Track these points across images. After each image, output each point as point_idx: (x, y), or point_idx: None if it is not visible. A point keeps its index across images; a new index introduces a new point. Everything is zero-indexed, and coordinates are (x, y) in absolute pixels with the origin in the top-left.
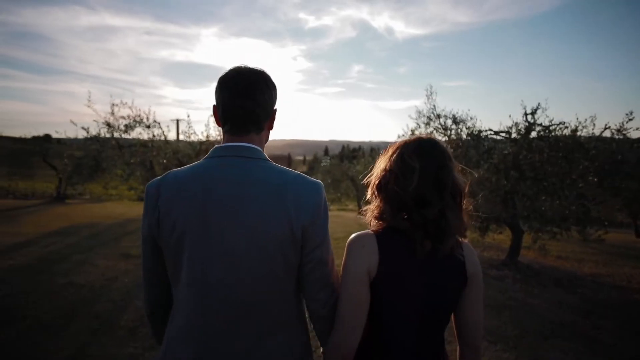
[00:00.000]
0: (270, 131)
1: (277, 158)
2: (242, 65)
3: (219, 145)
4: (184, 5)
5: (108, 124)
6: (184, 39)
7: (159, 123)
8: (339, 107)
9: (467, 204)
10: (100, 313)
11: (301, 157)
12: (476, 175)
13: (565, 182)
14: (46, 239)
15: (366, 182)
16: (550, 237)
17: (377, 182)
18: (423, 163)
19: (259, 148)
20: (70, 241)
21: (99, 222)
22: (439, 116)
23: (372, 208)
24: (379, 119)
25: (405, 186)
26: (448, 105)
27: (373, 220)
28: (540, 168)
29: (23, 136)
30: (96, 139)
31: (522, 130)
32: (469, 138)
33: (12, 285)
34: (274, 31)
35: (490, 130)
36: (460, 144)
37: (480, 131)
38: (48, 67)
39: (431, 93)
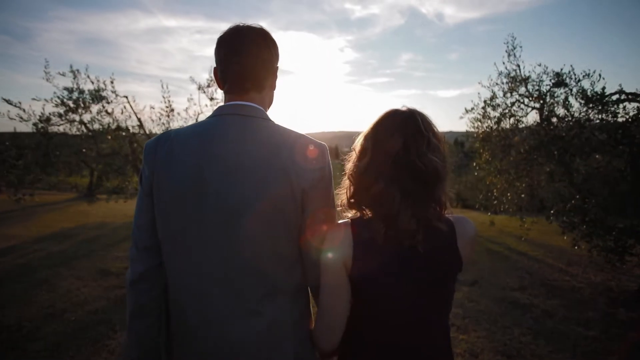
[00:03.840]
0: (274, 91)
1: None
2: (240, 24)
3: (222, 104)
4: (232, 3)
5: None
6: None
7: (126, 97)
8: (387, 98)
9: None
10: None
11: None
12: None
13: None
14: (36, 244)
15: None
16: None
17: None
18: (378, 144)
19: (260, 107)
20: (55, 248)
21: (109, 222)
22: (525, 80)
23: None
24: (429, 107)
25: (358, 171)
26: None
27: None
28: None
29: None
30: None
31: None
32: (585, 112)
33: None
34: (320, 23)
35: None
36: (571, 121)
37: (605, 94)
38: (111, 69)
39: (514, 47)
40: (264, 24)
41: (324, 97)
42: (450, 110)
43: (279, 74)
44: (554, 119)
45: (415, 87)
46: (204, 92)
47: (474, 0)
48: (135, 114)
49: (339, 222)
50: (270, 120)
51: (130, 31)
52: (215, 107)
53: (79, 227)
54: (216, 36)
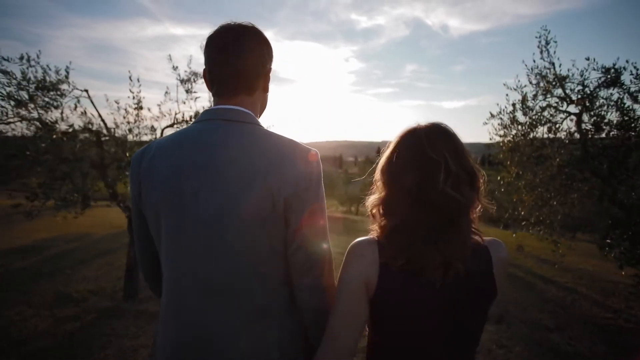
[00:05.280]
0: (267, 94)
1: (327, 160)
2: (231, 21)
3: (208, 108)
4: (239, 12)
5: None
6: None
7: (86, 91)
8: (391, 108)
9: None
10: None
11: (352, 159)
12: None
13: None
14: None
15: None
16: None
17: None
18: (394, 177)
19: (249, 111)
20: (17, 265)
21: (91, 233)
22: (562, 79)
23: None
24: (434, 119)
25: (376, 205)
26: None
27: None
28: None
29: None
30: None
31: None
32: None
33: None
34: (325, 33)
35: None
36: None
37: None
38: (119, 76)
39: (547, 42)
40: (271, 33)
41: (328, 107)
42: (456, 122)
43: (285, 83)
44: (603, 126)
45: (419, 98)
46: (183, 84)
47: (479, 13)
48: (97, 111)
49: (363, 238)
50: (259, 125)
51: (138, 38)
52: (192, 101)
53: (54, 239)
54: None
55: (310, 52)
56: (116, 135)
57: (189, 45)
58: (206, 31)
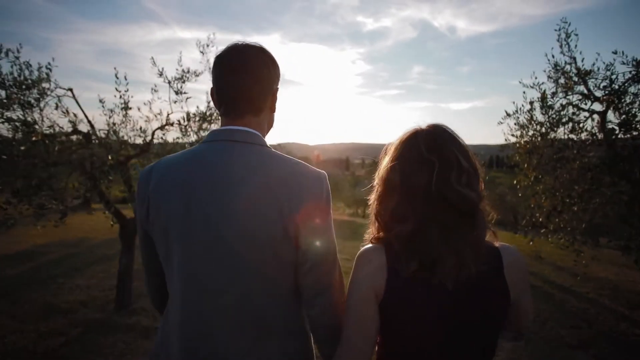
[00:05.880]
0: (274, 114)
1: (334, 162)
2: (239, 42)
3: (215, 129)
4: (246, 16)
5: None
6: None
7: (70, 90)
8: (398, 110)
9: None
10: None
11: (359, 161)
12: None
13: None
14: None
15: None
16: None
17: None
18: (405, 178)
19: (257, 132)
20: (10, 272)
21: (90, 238)
22: (585, 74)
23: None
24: (441, 120)
25: (384, 209)
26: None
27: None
28: None
29: None
30: None
31: None
32: None
33: None
34: (332, 35)
35: None
36: None
37: None
38: (127, 79)
39: (567, 35)
40: (277, 36)
41: (335, 109)
42: (462, 123)
43: (292, 85)
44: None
45: (426, 100)
46: (170, 84)
47: (486, 14)
48: (82, 111)
49: (371, 245)
50: (266, 146)
51: (146, 42)
52: (183, 103)
53: (52, 244)
54: None
55: (316, 54)
56: (102, 136)
57: (196, 49)
58: (213, 35)
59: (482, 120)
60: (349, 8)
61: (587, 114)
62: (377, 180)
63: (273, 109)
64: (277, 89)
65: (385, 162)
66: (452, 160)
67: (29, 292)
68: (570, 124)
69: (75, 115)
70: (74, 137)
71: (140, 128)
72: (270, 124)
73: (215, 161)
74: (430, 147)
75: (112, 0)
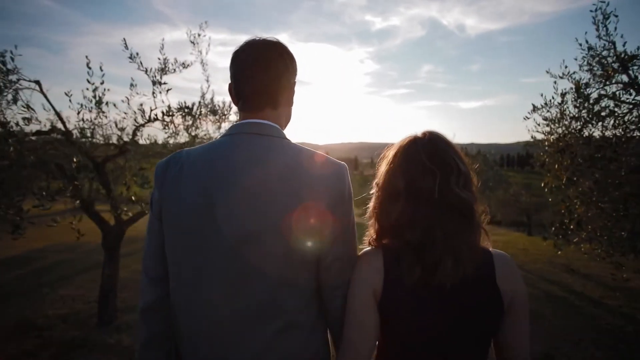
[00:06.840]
0: (292, 107)
1: (343, 161)
2: (256, 37)
3: (236, 122)
4: (255, 17)
5: None
6: None
7: (37, 83)
8: (407, 109)
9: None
10: None
11: (368, 160)
12: None
13: None
14: None
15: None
16: None
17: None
18: (409, 183)
19: (276, 125)
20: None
21: (86, 243)
22: (629, 60)
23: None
24: (450, 119)
25: (385, 212)
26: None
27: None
28: None
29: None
30: None
31: None
32: None
33: None
34: (340, 35)
35: None
36: None
37: None
38: (136, 80)
39: (605, 17)
40: (285, 35)
41: (344, 108)
42: (472, 122)
43: (299, 85)
44: None
45: (436, 99)
46: (147, 72)
47: (496, 12)
48: (52, 106)
49: (369, 248)
50: (286, 138)
51: (156, 44)
52: (165, 93)
53: (45, 249)
54: None
55: (325, 54)
56: (77, 135)
57: (206, 47)
58: (223, 35)
59: (493, 119)
60: (357, 7)
61: (629, 106)
62: (377, 184)
63: (291, 103)
64: (294, 82)
65: (385, 167)
66: (452, 166)
67: (6, 307)
68: (612, 119)
69: (34, 110)
70: (56, 135)
71: (116, 124)
72: (287, 118)
73: (236, 155)
74: (431, 155)
75: (122, 2)
